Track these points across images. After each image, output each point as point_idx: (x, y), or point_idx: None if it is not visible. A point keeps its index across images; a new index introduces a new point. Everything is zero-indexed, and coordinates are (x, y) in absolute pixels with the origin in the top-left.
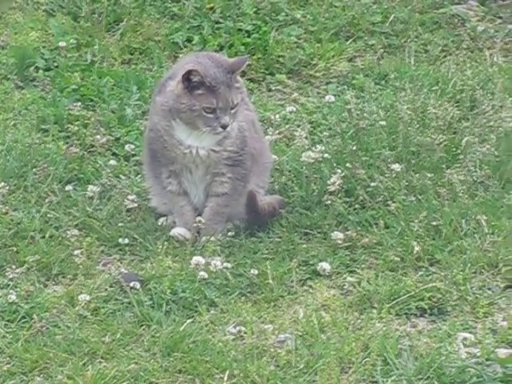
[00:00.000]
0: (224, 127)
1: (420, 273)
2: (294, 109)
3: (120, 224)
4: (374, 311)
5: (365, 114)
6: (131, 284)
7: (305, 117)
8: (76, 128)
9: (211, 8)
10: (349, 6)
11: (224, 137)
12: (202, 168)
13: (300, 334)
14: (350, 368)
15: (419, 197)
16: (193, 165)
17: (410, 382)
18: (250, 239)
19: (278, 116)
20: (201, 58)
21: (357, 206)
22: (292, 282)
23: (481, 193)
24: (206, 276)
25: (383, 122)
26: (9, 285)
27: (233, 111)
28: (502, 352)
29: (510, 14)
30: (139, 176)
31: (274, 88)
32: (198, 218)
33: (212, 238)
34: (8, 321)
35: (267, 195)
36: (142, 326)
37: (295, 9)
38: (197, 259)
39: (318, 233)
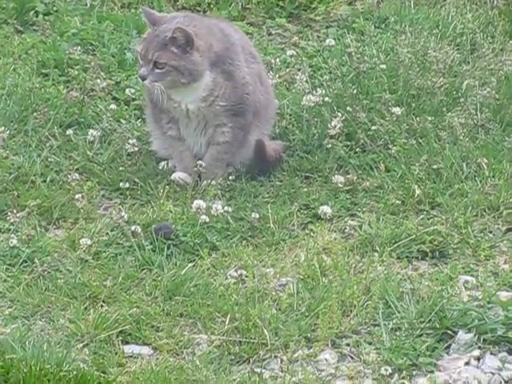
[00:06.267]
0: (141, 78)
1: (421, 216)
2: (295, 52)
3: (121, 168)
4: (376, 254)
5: (365, 58)
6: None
7: (305, 60)
8: (76, 72)
9: None
10: None
11: (208, 94)
12: (197, 121)
13: (301, 277)
14: (351, 311)
15: (420, 140)
16: (186, 118)
17: (412, 325)
18: (251, 183)
19: (278, 60)
20: (180, 15)
21: (357, 149)
22: (293, 225)
23: (481, 136)
24: (207, 220)
25: (383, 66)
26: (10, 229)
27: (158, 70)
28: (504, 295)
29: None
30: (139, 120)
31: (274, 32)
32: (199, 162)
33: (213, 182)
34: (9, 265)
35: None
36: (143, 269)
37: None
38: (198, 203)
39: (319, 176)
